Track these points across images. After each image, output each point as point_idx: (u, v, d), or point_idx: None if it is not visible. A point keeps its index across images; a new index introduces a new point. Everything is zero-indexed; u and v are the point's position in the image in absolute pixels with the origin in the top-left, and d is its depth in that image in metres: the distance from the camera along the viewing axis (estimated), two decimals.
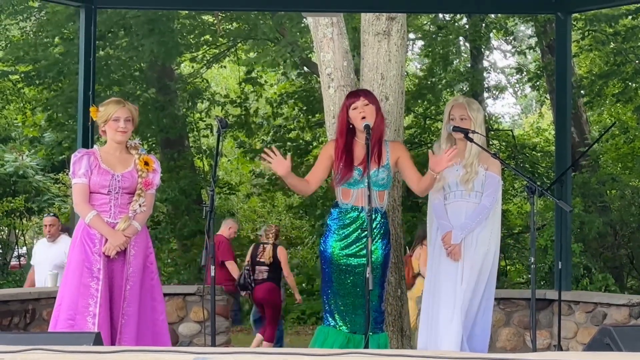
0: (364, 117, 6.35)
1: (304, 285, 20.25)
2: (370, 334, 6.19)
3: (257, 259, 12.20)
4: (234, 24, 19.36)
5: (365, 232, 6.26)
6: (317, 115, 19.28)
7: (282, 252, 12.32)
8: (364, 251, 6.28)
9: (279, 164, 6.28)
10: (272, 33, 17.65)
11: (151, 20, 17.12)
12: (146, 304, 6.45)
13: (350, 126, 6.47)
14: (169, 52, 17.93)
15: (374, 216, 6.33)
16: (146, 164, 6.46)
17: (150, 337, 6.40)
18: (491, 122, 22.04)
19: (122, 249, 6.31)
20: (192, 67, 21.42)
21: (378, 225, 6.46)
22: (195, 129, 20.84)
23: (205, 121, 20.56)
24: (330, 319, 6.50)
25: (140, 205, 6.40)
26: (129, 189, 6.38)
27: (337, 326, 6.46)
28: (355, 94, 6.56)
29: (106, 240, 6.28)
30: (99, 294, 6.19)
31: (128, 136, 6.51)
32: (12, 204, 19.34)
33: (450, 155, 6.17)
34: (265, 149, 6.36)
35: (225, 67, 24.29)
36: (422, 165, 17.11)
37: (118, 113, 6.42)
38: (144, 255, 6.48)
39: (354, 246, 6.44)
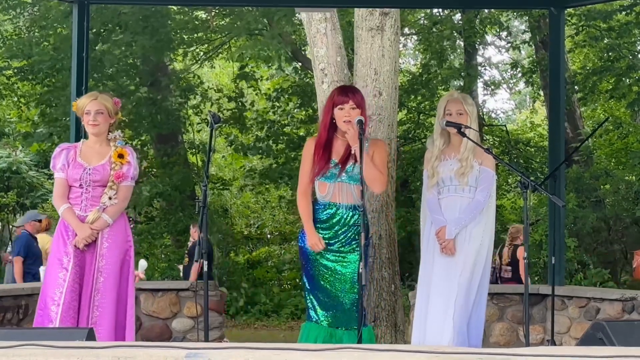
0: (347, 121, 6.31)
1: (297, 280, 20.26)
2: (354, 328, 6.18)
3: (502, 259, 12.91)
4: (227, 20, 19.35)
5: (345, 228, 6.29)
6: (310, 110, 19.29)
7: (521, 252, 12.65)
8: (344, 247, 6.31)
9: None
10: (256, 25, 17.59)
11: (145, 17, 17.11)
12: (123, 299, 6.47)
13: (333, 121, 6.44)
14: (162, 48, 17.93)
15: (352, 213, 6.33)
16: (120, 156, 6.49)
17: (122, 332, 6.42)
18: (485, 117, 22.08)
19: (88, 241, 6.32)
20: (185, 63, 21.40)
21: (357, 222, 6.43)
22: (189, 125, 20.84)
23: (200, 116, 20.55)
24: (312, 314, 6.49)
25: (110, 198, 6.41)
26: (101, 182, 6.41)
27: (319, 321, 6.45)
28: (344, 94, 6.43)
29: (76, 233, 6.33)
30: (66, 284, 6.22)
31: (102, 129, 6.53)
32: (4, 199, 19.32)
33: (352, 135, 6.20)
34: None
35: (214, 67, 24.28)
36: (415, 160, 17.20)
37: (89, 106, 6.50)
38: (122, 248, 6.49)
39: (332, 242, 6.41)
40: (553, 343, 7.93)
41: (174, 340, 8.86)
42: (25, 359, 3.30)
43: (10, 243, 21.59)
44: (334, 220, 6.41)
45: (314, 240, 6.42)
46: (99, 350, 3.39)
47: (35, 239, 12.42)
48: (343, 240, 6.33)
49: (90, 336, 4.12)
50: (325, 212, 6.44)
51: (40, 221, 12.65)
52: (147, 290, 8.96)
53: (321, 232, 6.43)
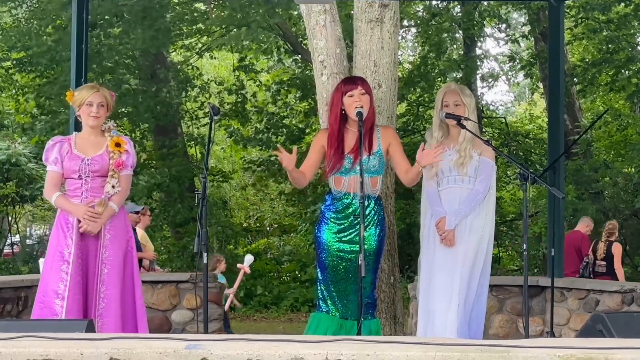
0: (358, 106, 6.34)
1: (296, 272, 20.28)
2: (367, 318, 6.20)
3: (596, 254, 13.15)
4: (226, 12, 19.32)
5: (359, 219, 6.27)
6: (308, 101, 19.28)
7: (616, 248, 13.15)
8: (357, 238, 6.28)
9: (286, 157, 6.28)
10: (253, 17, 17.53)
11: (145, 9, 17.09)
12: (129, 289, 6.47)
13: (343, 112, 6.45)
14: (161, 40, 17.90)
15: (367, 203, 6.33)
16: (117, 145, 6.49)
17: (132, 324, 6.42)
18: (484, 109, 22.05)
19: (91, 220, 6.27)
20: (184, 55, 21.38)
21: (372, 212, 6.47)
22: (190, 117, 20.83)
23: (202, 110, 20.52)
24: (323, 305, 6.51)
25: (113, 187, 6.40)
26: (100, 172, 6.40)
27: (330, 312, 6.47)
28: (352, 82, 6.50)
29: (79, 221, 6.29)
30: (69, 277, 6.21)
31: (101, 121, 6.53)
32: (3, 190, 19.32)
33: (437, 152, 6.21)
34: (278, 147, 6.48)
35: (215, 58, 24.20)
36: (415, 152, 17.16)
37: (91, 98, 6.46)
38: (123, 239, 6.49)
39: (348, 233, 6.44)
40: (552, 335, 7.94)
41: (173, 332, 8.87)
42: (25, 350, 3.31)
43: (9, 234, 21.62)
44: (350, 210, 6.45)
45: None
46: (99, 342, 3.39)
47: (135, 230, 12.64)
48: (359, 230, 6.33)
49: (90, 328, 4.13)
50: (340, 202, 6.47)
51: (137, 213, 12.79)
52: (147, 282, 8.97)
53: (337, 221, 6.46)
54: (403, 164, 6.58)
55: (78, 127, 7.96)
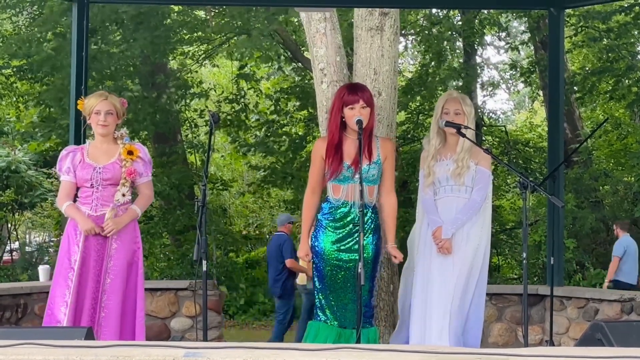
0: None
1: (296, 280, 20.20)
2: (366, 326, 6.19)
3: None
4: (226, 19, 19.35)
5: (357, 227, 6.24)
6: (309, 110, 19.27)
7: None
8: (356, 246, 6.27)
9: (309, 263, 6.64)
10: (250, 24, 17.55)
11: (144, 15, 17.09)
12: (131, 300, 6.45)
13: (342, 119, 6.43)
14: (161, 48, 17.90)
15: (364, 212, 6.32)
16: (130, 153, 6.46)
17: (131, 334, 6.40)
18: (485, 118, 22.05)
19: (91, 233, 6.27)
20: (183, 62, 21.38)
21: (369, 221, 6.45)
22: (190, 125, 20.82)
23: (202, 117, 20.51)
24: (321, 314, 6.49)
25: (123, 195, 6.39)
26: (112, 180, 6.38)
27: (328, 321, 6.45)
28: (354, 93, 6.40)
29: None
30: (73, 284, 6.20)
31: (110, 129, 6.50)
32: (2, 197, 19.30)
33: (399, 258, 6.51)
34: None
35: (217, 66, 24.20)
36: (415, 160, 17.19)
37: (99, 106, 6.44)
38: (130, 250, 6.47)
39: (346, 241, 6.42)
40: (552, 343, 7.93)
41: (172, 340, 8.86)
42: (24, 358, 3.30)
43: (8, 242, 21.59)
44: (348, 219, 6.42)
45: (305, 252, 6.53)
46: (98, 350, 3.38)
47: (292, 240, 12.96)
48: (357, 239, 6.31)
49: (89, 335, 4.12)
50: (339, 211, 6.45)
51: (292, 223, 13.16)
52: (146, 289, 8.93)
53: (335, 231, 6.44)
54: (387, 183, 6.58)
55: (78, 134, 7.98)
